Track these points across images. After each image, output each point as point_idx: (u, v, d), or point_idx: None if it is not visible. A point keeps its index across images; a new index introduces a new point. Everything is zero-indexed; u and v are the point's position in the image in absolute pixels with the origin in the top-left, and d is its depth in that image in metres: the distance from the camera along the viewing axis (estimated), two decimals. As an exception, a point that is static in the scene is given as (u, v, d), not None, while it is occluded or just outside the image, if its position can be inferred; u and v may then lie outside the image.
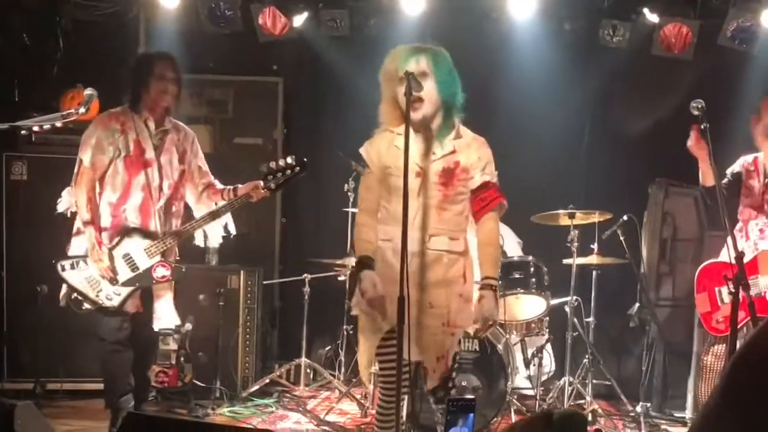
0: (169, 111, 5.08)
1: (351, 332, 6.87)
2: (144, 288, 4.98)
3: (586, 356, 6.12)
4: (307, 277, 6.72)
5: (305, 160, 4.95)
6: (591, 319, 6.27)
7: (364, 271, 3.90)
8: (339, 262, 6.56)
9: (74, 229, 4.97)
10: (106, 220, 4.93)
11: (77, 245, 4.94)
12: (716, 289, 4.82)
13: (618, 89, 7.15)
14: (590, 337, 6.24)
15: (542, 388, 6.05)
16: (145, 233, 4.94)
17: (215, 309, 6.35)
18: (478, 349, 5.39)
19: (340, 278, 6.66)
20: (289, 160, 4.93)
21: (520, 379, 6.12)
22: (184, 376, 5.78)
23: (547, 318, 6.18)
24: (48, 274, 5.10)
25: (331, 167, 6.86)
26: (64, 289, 4.94)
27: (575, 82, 7.00)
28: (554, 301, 6.16)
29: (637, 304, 6.38)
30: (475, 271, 4.06)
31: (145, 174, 4.94)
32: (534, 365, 5.96)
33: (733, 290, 3.81)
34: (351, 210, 6.49)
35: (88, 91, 4.26)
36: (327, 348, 7.21)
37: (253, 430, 4.83)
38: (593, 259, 6.12)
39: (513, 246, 6.41)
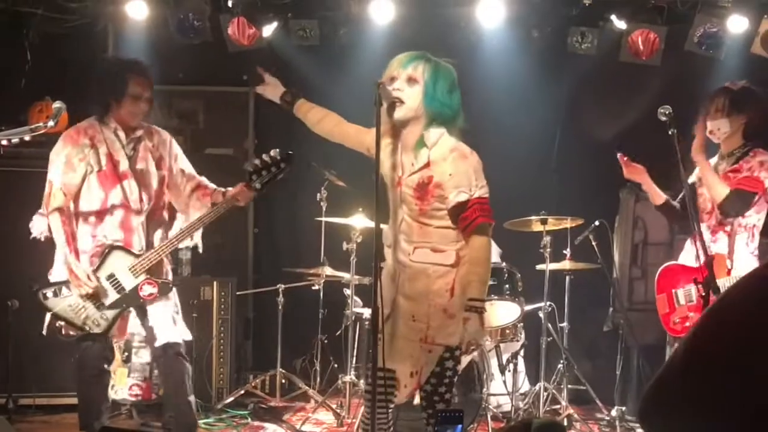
0: (138, 126, 4.79)
1: (325, 342, 6.87)
2: (134, 308, 4.76)
3: (561, 361, 6.16)
4: (281, 287, 6.69)
5: (291, 153, 4.60)
6: (565, 324, 6.30)
7: None
8: (313, 271, 6.54)
9: (56, 253, 4.71)
10: (85, 242, 4.68)
11: (60, 270, 4.68)
12: (673, 291, 4.89)
13: (587, 95, 7.20)
14: (564, 342, 6.27)
15: (518, 394, 6.06)
16: (128, 251, 4.67)
17: (188, 320, 6.28)
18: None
19: (314, 287, 6.65)
20: (273, 154, 4.56)
21: (496, 385, 6.13)
22: (158, 389, 5.75)
23: (522, 324, 6.20)
24: (18, 289, 5.01)
25: (304, 177, 6.86)
26: (47, 318, 4.67)
27: (545, 89, 7.04)
28: (528, 307, 6.18)
29: (611, 309, 6.43)
30: None
31: (121, 188, 4.67)
32: (509, 371, 5.98)
33: (703, 294, 3.85)
34: (324, 219, 6.48)
35: (57, 104, 4.16)
36: (302, 358, 7.19)
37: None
38: (566, 264, 6.16)
39: (494, 256, 6.42)
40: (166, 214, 4.92)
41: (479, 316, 3.76)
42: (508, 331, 6.13)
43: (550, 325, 6.15)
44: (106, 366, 4.84)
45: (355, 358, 6.26)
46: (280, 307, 6.68)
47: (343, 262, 6.36)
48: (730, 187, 4.65)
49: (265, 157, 4.57)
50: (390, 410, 3.94)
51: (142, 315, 4.79)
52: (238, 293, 6.80)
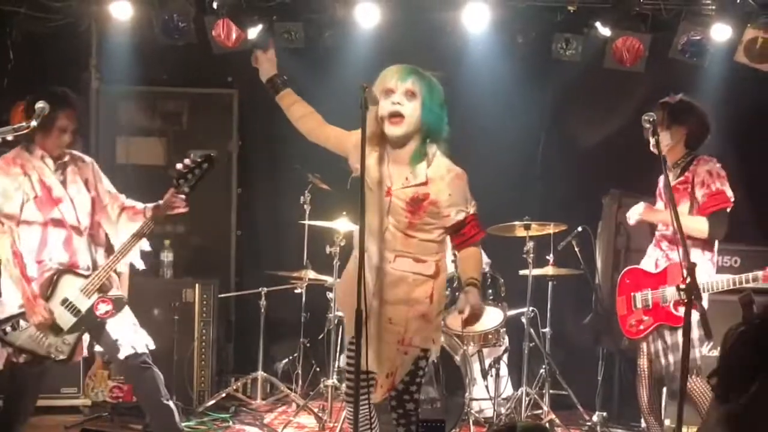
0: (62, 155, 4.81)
1: (308, 345, 6.86)
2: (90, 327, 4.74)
3: (543, 366, 6.17)
4: (263, 290, 6.68)
5: (211, 154, 4.74)
6: (547, 329, 6.32)
7: None
8: (295, 274, 6.54)
9: (1, 287, 4.69)
10: (31, 269, 4.65)
11: (9, 302, 4.66)
12: (632, 294, 5.02)
13: (571, 102, 7.23)
14: (547, 347, 6.29)
15: (500, 399, 6.07)
16: (76, 273, 4.69)
17: (170, 323, 6.29)
18: (435, 361, 5.40)
19: (296, 291, 6.64)
20: (193, 158, 4.68)
21: (478, 390, 6.13)
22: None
23: (505, 329, 6.21)
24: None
25: (287, 180, 6.84)
26: (4, 353, 4.65)
27: (529, 95, 7.06)
28: (511, 312, 6.19)
29: (592, 314, 6.44)
30: None
31: (59, 210, 4.70)
32: (491, 376, 5.98)
33: (685, 299, 3.89)
34: (307, 222, 6.47)
35: (40, 104, 4.16)
36: (284, 361, 7.17)
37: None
38: (549, 270, 6.18)
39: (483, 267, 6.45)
40: (103, 234, 4.95)
41: (477, 290, 3.90)
42: (491, 336, 6.14)
43: (532, 330, 6.17)
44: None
45: (337, 362, 6.25)
46: (262, 310, 6.67)
47: (326, 265, 6.35)
48: (702, 214, 4.79)
49: (186, 161, 4.67)
50: (372, 411, 3.99)
51: (98, 334, 4.77)
52: (220, 296, 6.78)
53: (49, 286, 4.64)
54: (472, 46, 6.74)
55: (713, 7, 6.22)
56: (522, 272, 6.10)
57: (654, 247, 5.06)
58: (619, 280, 5.17)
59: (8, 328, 4.62)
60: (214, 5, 6.36)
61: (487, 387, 6.02)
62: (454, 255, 4.83)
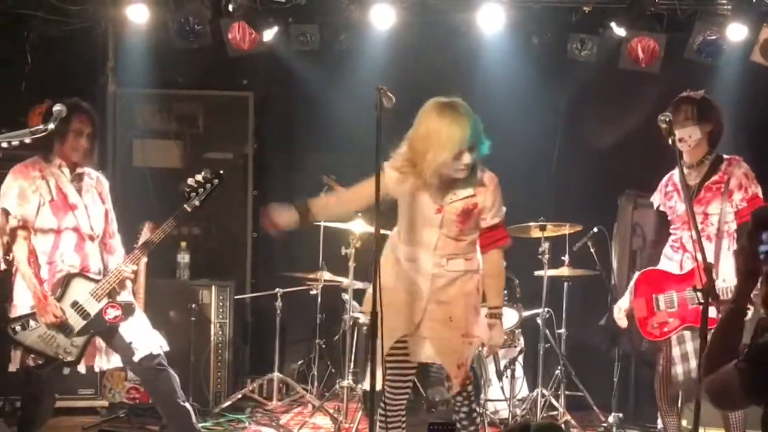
0: (79, 164, 4.90)
1: (323, 346, 6.87)
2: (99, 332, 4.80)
3: (558, 368, 6.16)
4: (279, 291, 6.70)
5: (221, 172, 4.97)
6: (563, 330, 6.31)
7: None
8: (311, 276, 6.55)
9: (14, 287, 4.77)
10: (43, 270, 4.74)
11: (22, 302, 4.72)
12: (653, 296, 4.92)
13: (586, 102, 7.21)
14: (562, 348, 6.27)
15: (516, 400, 6.06)
16: (87, 277, 4.77)
17: (186, 324, 6.32)
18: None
19: (312, 292, 6.65)
20: (204, 174, 4.89)
21: (494, 391, 6.13)
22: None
23: (520, 330, 6.20)
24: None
25: (303, 182, 6.85)
26: (18, 355, 4.73)
27: (544, 96, 7.05)
28: (526, 313, 6.18)
29: (608, 315, 6.41)
30: None
31: (73, 215, 4.79)
32: (507, 377, 5.97)
33: (702, 301, 3.85)
34: (323, 224, 6.49)
35: (57, 107, 4.21)
36: (299, 362, 7.19)
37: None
38: (564, 270, 6.16)
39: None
40: (113, 243, 5.04)
41: (500, 322, 4.38)
42: (506, 337, 6.13)
43: (548, 331, 6.16)
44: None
45: (352, 363, 6.25)
46: (278, 312, 6.69)
47: (341, 266, 6.36)
48: (740, 220, 4.69)
49: (198, 177, 4.87)
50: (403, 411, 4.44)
51: (110, 338, 4.83)
52: (236, 297, 6.81)
53: (60, 288, 4.71)
54: (488, 48, 6.74)
55: (729, 7, 6.20)
56: (537, 273, 6.10)
57: (675, 249, 4.96)
58: (634, 283, 5.10)
59: (18, 327, 4.68)
60: (230, 8, 6.38)
61: (502, 388, 6.01)
62: None
